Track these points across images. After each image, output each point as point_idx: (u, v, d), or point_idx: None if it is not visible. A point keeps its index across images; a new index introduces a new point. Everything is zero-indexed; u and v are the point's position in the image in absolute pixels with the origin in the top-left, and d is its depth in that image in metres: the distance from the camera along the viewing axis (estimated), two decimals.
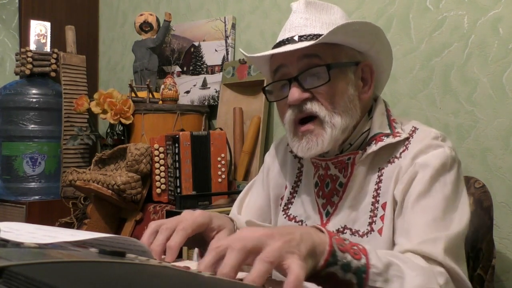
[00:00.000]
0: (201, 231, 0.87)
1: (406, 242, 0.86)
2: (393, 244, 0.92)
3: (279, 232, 0.66)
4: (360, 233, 0.96)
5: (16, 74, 2.43)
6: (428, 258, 0.82)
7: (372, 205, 0.96)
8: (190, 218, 0.85)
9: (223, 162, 1.90)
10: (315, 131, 0.95)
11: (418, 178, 0.91)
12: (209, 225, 0.88)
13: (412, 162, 0.93)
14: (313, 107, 0.95)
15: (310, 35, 0.95)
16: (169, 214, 1.61)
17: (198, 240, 0.89)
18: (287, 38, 0.97)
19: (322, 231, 0.71)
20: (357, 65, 0.99)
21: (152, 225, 0.85)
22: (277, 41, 1.00)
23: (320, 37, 0.92)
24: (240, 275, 0.64)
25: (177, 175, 1.85)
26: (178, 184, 1.85)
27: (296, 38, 0.96)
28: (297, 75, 0.95)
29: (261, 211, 1.16)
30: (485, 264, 1.17)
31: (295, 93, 0.94)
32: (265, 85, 1.04)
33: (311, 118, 0.96)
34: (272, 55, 0.99)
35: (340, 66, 0.96)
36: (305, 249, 0.65)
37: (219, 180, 1.90)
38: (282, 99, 0.99)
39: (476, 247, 1.18)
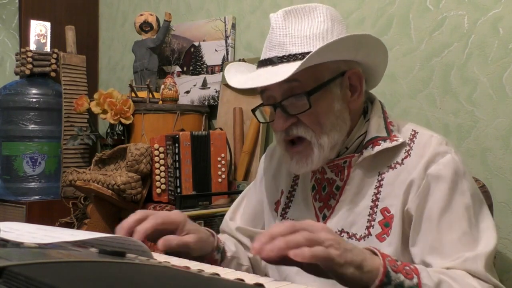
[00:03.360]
0: (172, 228, 0.91)
1: (443, 261, 0.87)
2: (404, 255, 0.92)
3: (336, 235, 0.73)
4: (358, 236, 0.95)
5: (16, 74, 2.42)
6: (474, 276, 0.84)
7: (370, 209, 0.95)
8: (165, 213, 0.92)
9: (223, 162, 1.90)
10: (304, 152, 0.96)
11: (433, 192, 0.91)
12: (181, 226, 0.92)
13: (424, 173, 0.92)
14: (299, 131, 0.95)
15: (289, 55, 0.93)
16: None
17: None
18: (268, 59, 0.96)
19: (375, 254, 0.75)
20: (343, 75, 0.97)
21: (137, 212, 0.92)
22: (261, 58, 0.99)
23: (296, 68, 0.87)
24: (242, 275, 0.64)
25: (177, 175, 1.85)
26: (178, 184, 1.85)
27: (275, 59, 0.94)
28: (281, 101, 0.95)
29: (254, 216, 1.18)
30: None
31: (279, 122, 0.95)
32: (254, 108, 1.05)
33: (299, 138, 0.96)
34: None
35: (322, 86, 0.94)
36: (352, 258, 0.71)
37: (219, 180, 1.90)
38: (271, 121, 1.00)
39: None
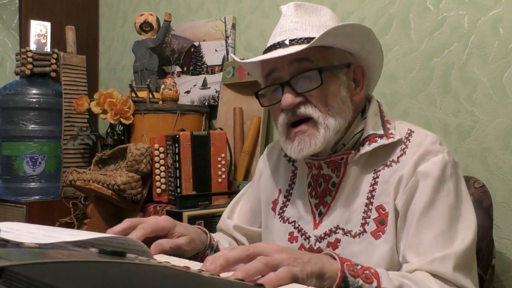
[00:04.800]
0: (163, 234, 0.92)
1: (416, 260, 0.87)
2: (396, 252, 0.92)
3: (289, 249, 0.72)
4: (353, 233, 0.96)
5: (16, 74, 2.42)
6: (438, 277, 0.84)
7: (365, 206, 0.96)
8: (153, 220, 0.92)
9: (223, 162, 1.90)
10: (308, 132, 0.95)
11: (420, 189, 0.91)
12: (171, 230, 0.93)
13: (414, 171, 0.93)
14: (307, 110, 0.95)
15: (301, 38, 0.95)
16: (169, 214, 1.61)
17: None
18: (278, 42, 0.97)
19: (334, 258, 0.75)
20: (348, 66, 0.99)
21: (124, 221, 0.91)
22: (268, 45, 1.00)
23: (311, 42, 0.91)
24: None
25: (177, 175, 1.85)
26: (178, 184, 1.85)
27: (287, 42, 0.96)
28: (289, 79, 0.95)
29: (251, 214, 1.19)
30: (485, 264, 1.17)
31: (288, 98, 0.95)
32: (258, 90, 1.04)
33: (305, 120, 0.96)
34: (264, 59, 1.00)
35: (332, 69, 0.96)
36: (311, 269, 0.71)
37: (219, 180, 1.90)
38: (275, 103, 0.99)
39: (476, 247, 1.18)
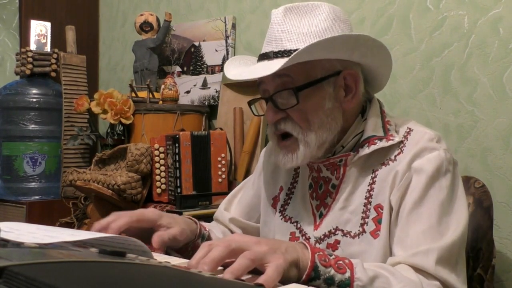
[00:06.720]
0: (149, 226, 0.94)
1: (401, 253, 0.87)
2: (390, 251, 0.92)
3: (266, 241, 0.72)
4: (352, 234, 0.96)
5: (17, 74, 2.42)
6: (420, 270, 0.84)
7: (364, 206, 0.96)
8: (139, 211, 0.94)
9: (223, 162, 1.91)
10: (290, 147, 0.97)
11: (413, 185, 0.91)
12: (158, 222, 0.94)
13: (409, 167, 0.92)
14: (286, 127, 0.96)
15: (285, 51, 0.94)
16: None
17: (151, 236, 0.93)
18: (265, 53, 0.97)
19: (307, 248, 0.76)
20: (338, 74, 0.97)
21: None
22: (261, 52, 1.00)
23: (284, 63, 0.88)
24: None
25: (177, 175, 1.85)
26: (178, 184, 1.85)
27: (271, 54, 0.96)
28: (272, 95, 0.96)
29: (249, 209, 1.19)
30: (485, 264, 1.17)
31: (269, 114, 0.97)
32: (250, 100, 1.07)
33: (288, 134, 0.98)
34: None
35: (313, 83, 0.94)
36: (290, 258, 0.71)
37: (219, 180, 1.90)
38: (264, 114, 1.02)
39: (476, 247, 1.18)
